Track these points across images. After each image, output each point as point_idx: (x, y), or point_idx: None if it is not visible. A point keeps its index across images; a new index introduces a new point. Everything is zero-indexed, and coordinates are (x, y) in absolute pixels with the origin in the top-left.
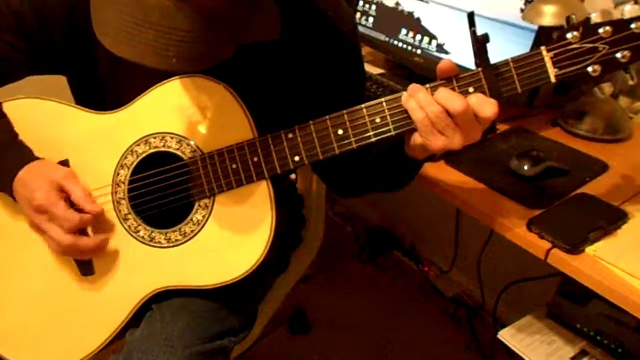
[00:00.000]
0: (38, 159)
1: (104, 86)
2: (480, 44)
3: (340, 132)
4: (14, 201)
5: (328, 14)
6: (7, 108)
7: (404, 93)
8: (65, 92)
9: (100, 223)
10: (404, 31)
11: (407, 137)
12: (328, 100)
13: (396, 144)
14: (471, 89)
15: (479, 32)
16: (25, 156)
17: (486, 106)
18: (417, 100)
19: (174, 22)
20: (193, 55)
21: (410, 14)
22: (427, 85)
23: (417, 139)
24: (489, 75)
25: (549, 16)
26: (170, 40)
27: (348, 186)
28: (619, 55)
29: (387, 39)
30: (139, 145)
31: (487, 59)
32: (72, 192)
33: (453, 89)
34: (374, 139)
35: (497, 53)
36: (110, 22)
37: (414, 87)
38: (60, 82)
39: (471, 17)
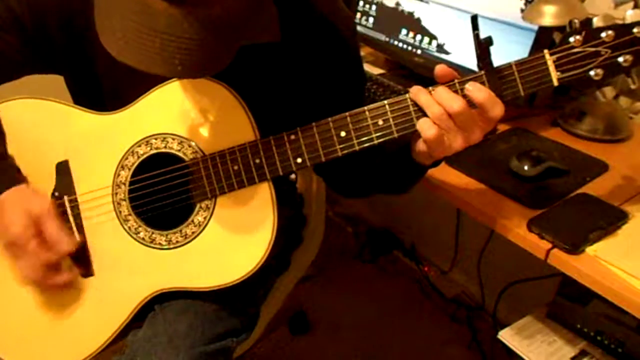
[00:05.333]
0: (24, 181)
1: (103, 86)
2: (483, 47)
3: (343, 133)
4: None
5: (327, 16)
6: (6, 108)
7: (407, 95)
8: (65, 92)
9: (99, 226)
10: (404, 31)
11: (413, 142)
12: (328, 102)
13: (403, 149)
14: None
15: (480, 32)
16: (10, 179)
17: (496, 106)
18: (421, 103)
19: (180, 30)
20: (198, 62)
21: (410, 14)
22: (430, 88)
23: (421, 144)
24: (491, 78)
25: (549, 16)
26: (176, 48)
27: (350, 187)
28: (620, 59)
29: (387, 39)
30: (139, 146)
31: (490, 62)
32: (45, 229)
33: (456, 92)
34: (376, 141)
35: (497, 53)
36: (116, 28)
37: (416, 89)
38: (59, 82)
39: (474, 20)
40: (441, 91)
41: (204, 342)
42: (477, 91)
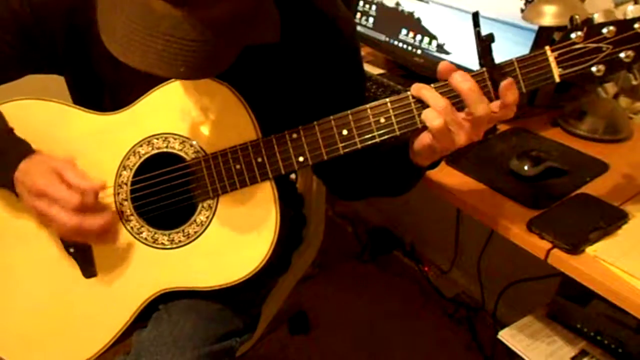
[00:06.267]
0: (35, 151)
1: (103, 86)
2: (484, 43)
3: (345, 132)
4: (13, 203)
5: (327, 16)
6: (6, 109)
7: (409, 93)
8: (65, 92)
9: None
10: (404, 31)
11: (411, 141)
12: (329, 102)
13: (401, 149)
14: None
15: (481, 29)
16: (25, 149)
17: (514, 109)
18: (425, 98)
19: (182, 32)
20: (200, 64)
21: (410, 14)
22: (432, 85)
23: (425, 138)
24: (493, 75)
25: (549, 16)
26: (178, 49)
27: (349, 189)
28: (622, 55)
29: (387, 39)
30: (141, 146)
31: (492, 59)
32: (66, 174)
33: None
34: (378, 139)
35: (496, 53)
36: (119, 30)
37: (417, 85)
38: (59, 82)
39: (475, 17)
40: (457, 75)
41: (208, 343)
42: (511, 92)
